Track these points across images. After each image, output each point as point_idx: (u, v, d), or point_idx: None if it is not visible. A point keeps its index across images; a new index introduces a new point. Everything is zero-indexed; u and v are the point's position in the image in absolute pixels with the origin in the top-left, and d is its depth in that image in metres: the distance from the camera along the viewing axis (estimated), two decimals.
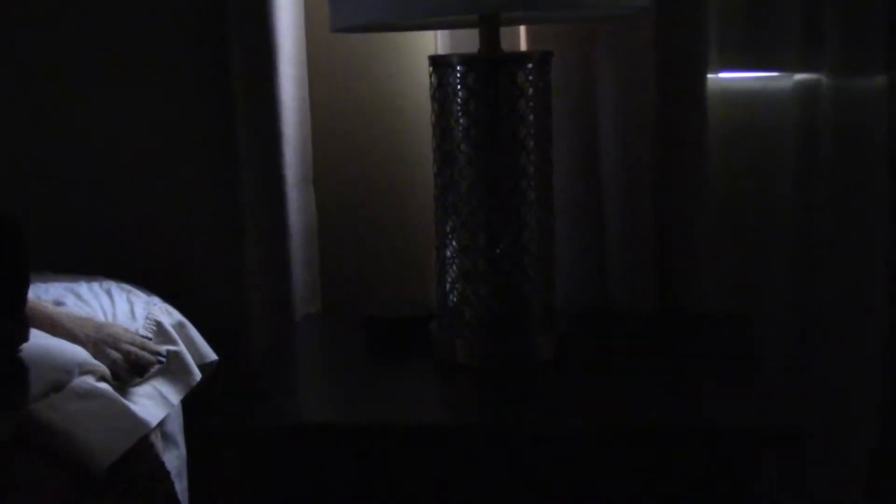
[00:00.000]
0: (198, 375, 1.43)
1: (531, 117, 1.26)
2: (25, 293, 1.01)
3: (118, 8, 1.64)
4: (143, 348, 1.34)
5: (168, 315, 1.48)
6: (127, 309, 1.45)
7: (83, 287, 1.47)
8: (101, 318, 1.39)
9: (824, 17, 1.47)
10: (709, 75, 1.48)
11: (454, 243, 1.29)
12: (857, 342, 1.52)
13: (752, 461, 1.11)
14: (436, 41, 1.54)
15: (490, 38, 1.27)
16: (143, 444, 1.23)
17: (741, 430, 1.11)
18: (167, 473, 1.27)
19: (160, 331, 1.43)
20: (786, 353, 1.56)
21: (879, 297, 1.52)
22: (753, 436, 1.10)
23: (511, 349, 1.30)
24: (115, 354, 1.30)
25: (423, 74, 1.57)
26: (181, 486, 1.40)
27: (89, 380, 1.23)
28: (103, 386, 1.24)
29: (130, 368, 1.31)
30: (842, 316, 1.52)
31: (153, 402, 1.32)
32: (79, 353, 1.25)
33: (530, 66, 1.25)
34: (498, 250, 1.27)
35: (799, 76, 1.51)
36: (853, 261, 1.51)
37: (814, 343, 1.55)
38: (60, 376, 1.19)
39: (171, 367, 1.39)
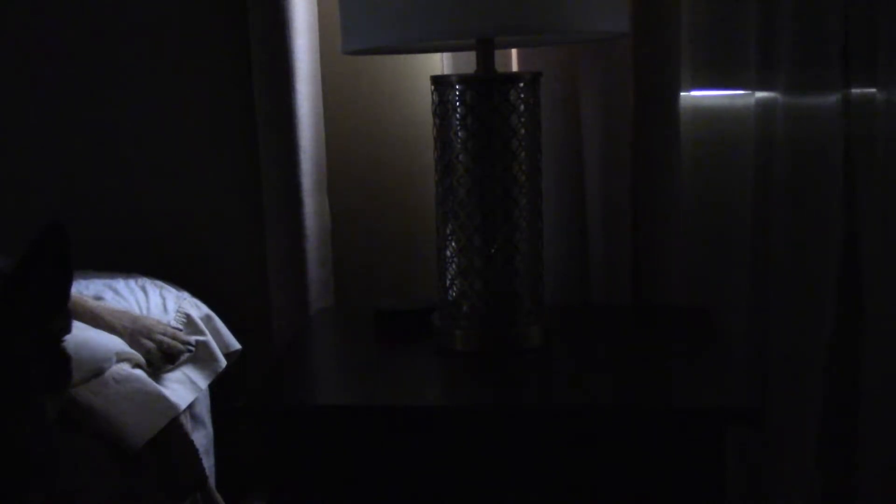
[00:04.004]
0: (223, 363, 1.43)
1: (522, 131, 1.25)
2: (69, 290, 1.01)
3: (156, 39, 1.64)
4: (175, 338, 1.33)
5: (197, 308, 1.47)
6: (160, 303, 1.44)
7: (120, 283, 1.46)
8: (136, 311, 1.38)
9: (778, 43, 1.47)
10: (682, 93, 1.48)
11: (453, 244, 1.29)
12: (807, 333, 1.52)
13: (717, 437, 1.10)
14: (441, 62, 1.54)
15: (486, 60, 1.26)
16: (173, 424, 1.23)
17: (705, 409, 1.10)
18: (196, 451, 1.27)
19: (189, 322, 1.42)
20: (745, 342, 1.55)
21: (829, 293, 1.51)
22: (716, 414, 1.09)
23: (504, 338, 1.29)
24: (149, 344, 1.29)
25: (426, 92, 1.57)
26: (208, 463, 1.39)
27: (126, 367, 1.23)
28: (138, 372, 1.24)
29: (163, 356, 1.30)
30: (795, 309, 1.52)
31: (183, 387, 1.32)
32: (116, 342, 1.24)
33: (521, 85, 1.25)
34: (492, 250, 1.27)
35: (759, 94, 1.51)
36: (806, 260, 1.51)
37: (769, 333, 1.55)
38: (100, 364, 1.18)
39: (200, 356, 1.39)
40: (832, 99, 1.47)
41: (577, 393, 1.16)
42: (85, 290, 1.40)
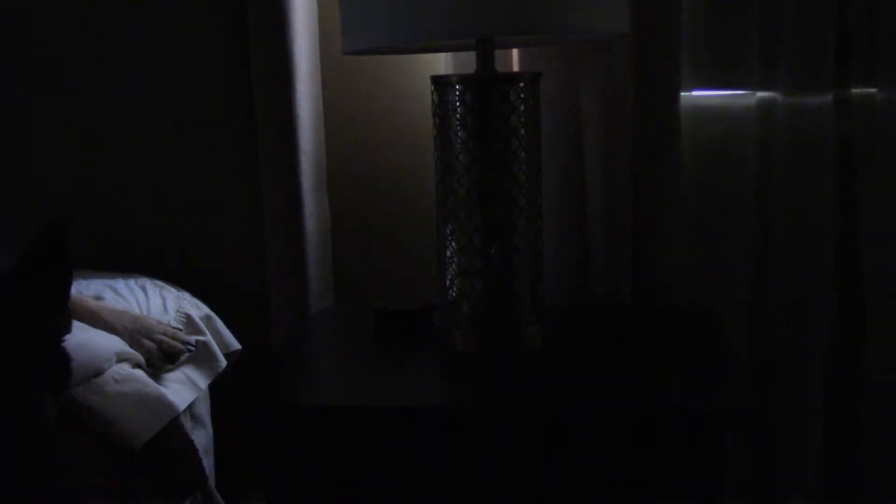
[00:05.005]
0: (223, 363, 1.43)
1: (522, 131, 1.25)
2: (69, 290, 1.01)
3: (156, 39, 1.64)
4: (175, 338, 1.33)
5: (197, 308, 1.47)
6: (160, 303, 1.44)
7: (120, 283, 1.46)
8: (136, 311, 1.38)
9: (780, 43, 1.47)
10: (682, 93, 1.48)
11: (453, 244, 1.29)
12: (808, 332, 1.52)
13: (717, 437, 1.10)
14: (445, 62, 1.54)
15: (486, 59, 1.26)
16: (173, 424, 1.23)
17: (705, 409, 1.10)
18: (196, 451, 1.27)
19: (189, 322, 1.42)
20: (745, 341, 1.55)
21: (830, 292, 1.51)
22: (716, 414, 1.09)
23: (503, 338, 1.29)
24: (149, 344, 1.29)
25: (426, 92, 1.57)
26: (208, 463, 1.39)
27: (126, 367, 1.23)
28: (138, 372, 1.24)
29: (163, 356, 1.30)
30: (795, 308, 1.52)
31: (183, 387, 1.32)
32: (116, 342, 1.24)
33: (521, 85, 1.25)
34: (492, 250, 1.27)
35: (760, 94, 1.51)
36: (805, 258, 1.51)
37: (770, 332, 1.55)
38: (100, 364, 1.18)
39: (200, 356, 1.39)
40: (832, 99, 1.47)
41: (577, 393, 1.16)
42: (85, 290, 1.39)
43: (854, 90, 1.48)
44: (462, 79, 1.24)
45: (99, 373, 1.17)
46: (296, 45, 1.51)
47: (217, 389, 1.46)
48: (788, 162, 1.49)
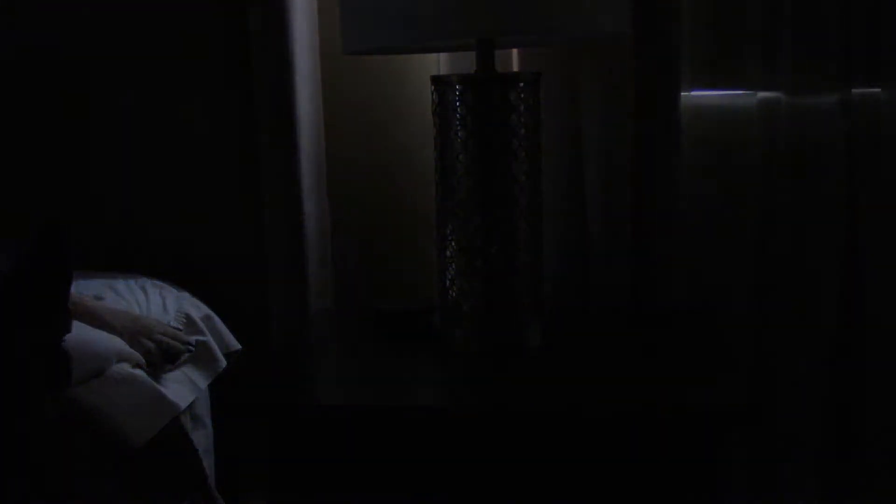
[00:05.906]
0: (223, 363, 1.43)
1: (522, 131, 1.25)
2: (68, 290, 1.01)
3: (156, 39, 1.64)
4: (175, 338, 1.33)
5: (197, 309, 1.47)
6: (160, 303, 1.44)
7: (120, 283, 1.46)
8: (136, 311, 1.38)
9: (781, 42, 1.47)
10: (682, 93, 1.48)
11: (453, 244, 1.29)
12: (809, 333, 1.52)
13: (716, 437, 1.10)
14: (438, 62, 1.54)
15: (485, 60, 1.27)
16: (173, 424, 1.23)
17: (705, 409, 1.10)
18: (195, 451, 1.27)
19: (189, 323, 1.42)
20: (745, 342, 1.55)
21: (831, 293, 1.51)
22: (716, 414, 1.10)
23: (504, 338, 1.29)
24: (149, 344, 1.29)
25: (426, 92, 1.57)
26: (208, 462, 1.39)
27: (126, 367, 1.23)
28: (138, 372, 1.24)
29: (163, 356, 1.30)
30: (796, 309, 1.52)
31: (183, 387, 1.32)
32: (116, 342, 1.24)
33: (521, 85, 1.25)
34: (492, 250, 1.27)
35: (762, 94, 1.51)
36: (808, 260, 1.51)
37: (770, 333, 1.55)
38: (100, 364, 1.18)
39: (200, 356, 1.39)
40: (835, 99, 1.47)
41: (577, 393, 1.17)
42: (85, 290, 1.39)
43: (856, 90, 1.48)
44: (462, 79, 1.24)
45: (99, 373, 1.17)
46: (296, 46, 1.51)
47: (217, 389, 1.46)
48: (791, 162, 1.49)
